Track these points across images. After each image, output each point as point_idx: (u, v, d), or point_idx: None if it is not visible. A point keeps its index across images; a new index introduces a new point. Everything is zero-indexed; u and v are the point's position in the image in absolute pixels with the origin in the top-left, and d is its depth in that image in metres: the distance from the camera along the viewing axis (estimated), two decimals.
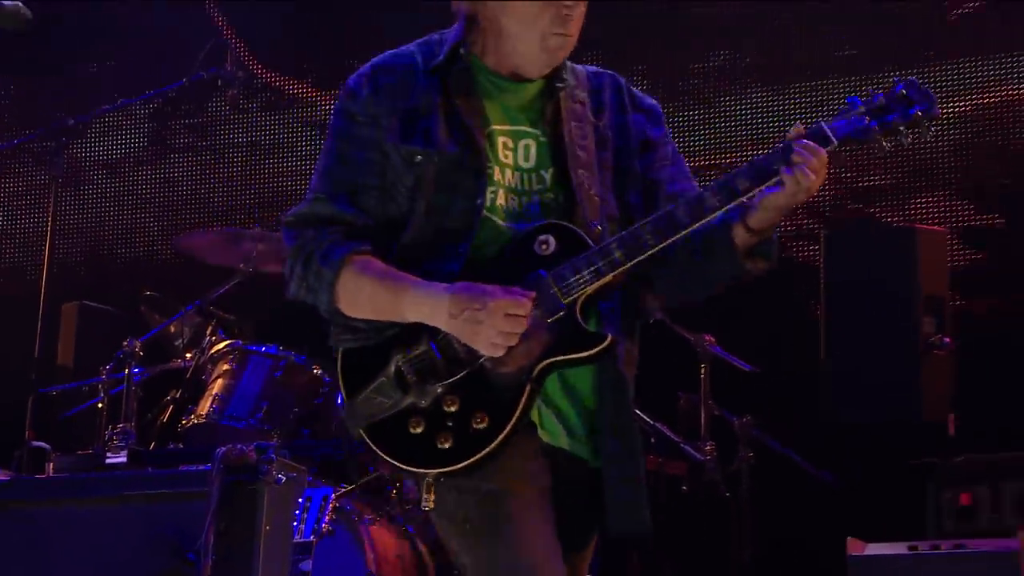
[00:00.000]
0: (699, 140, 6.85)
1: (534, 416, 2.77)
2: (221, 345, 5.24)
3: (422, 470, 2.72)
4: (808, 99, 6.65)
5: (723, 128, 6.84)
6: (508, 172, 2.83)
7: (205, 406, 5.11)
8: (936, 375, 5.15)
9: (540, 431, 2.80)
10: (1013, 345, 5.84)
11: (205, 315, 5.36)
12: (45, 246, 5.62)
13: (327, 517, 4.10)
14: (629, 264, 2.71)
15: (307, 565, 4.04)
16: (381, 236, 2.82)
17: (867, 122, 2.74)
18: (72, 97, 7.39)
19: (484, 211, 2.78)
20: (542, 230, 2.76)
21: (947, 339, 5.18)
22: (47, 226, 5.65)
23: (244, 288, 5.46)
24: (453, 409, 2.72)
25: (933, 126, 2.79)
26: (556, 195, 2.83)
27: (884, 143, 2.76)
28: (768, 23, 6.91)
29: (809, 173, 2.67)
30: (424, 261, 2.76)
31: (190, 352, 5.34)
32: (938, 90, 6.43)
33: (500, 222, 2.80)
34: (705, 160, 6.69)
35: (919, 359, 5.14)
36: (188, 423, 5.12)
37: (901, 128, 2.75)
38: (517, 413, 2.71)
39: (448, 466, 2.70)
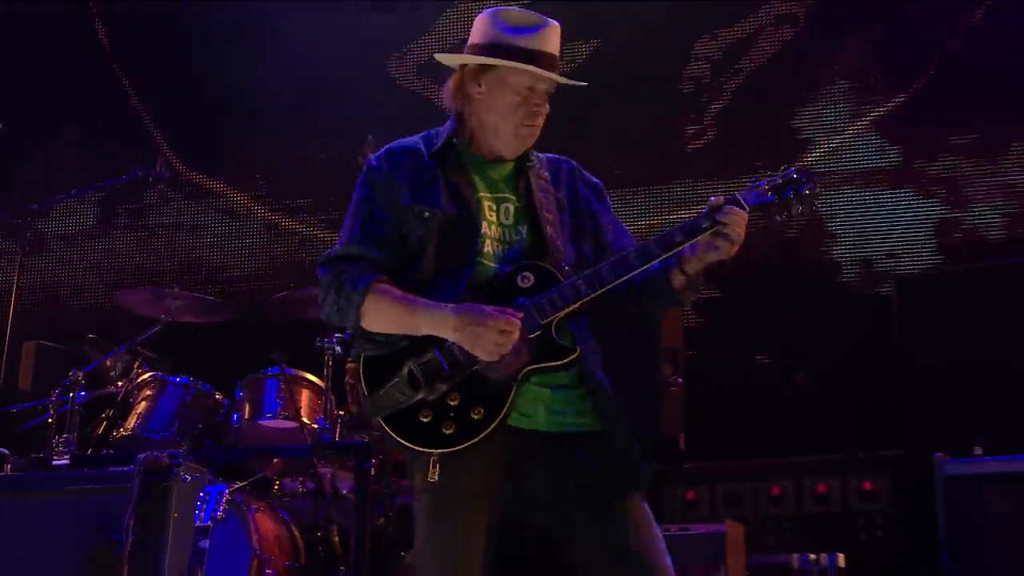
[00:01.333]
0: None
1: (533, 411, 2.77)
2: (145, 376, 5.23)
3: (429, 450, 2.71)
4: None
5: None
6: (494, 227, 2.87)
7: (131, 422, 5.11)
8: (671, 405, 5.14)
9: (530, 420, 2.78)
10: (728, 384, 6.04)
11: (133, 353, 5.34)
12: (12, 298, 5.67)
13: (221, 507, 4.13)
14: (592, 295, 2.75)
15: (204, 544, 4.04)
16: (398, 272, 2.82)
17: (769, 196, 2.79)
18: (39, 186, 7.37)
19: (476, 257, 2.81)
20: (524, 268, 2.81)
21: (680, 380, 5.19)
22: (13, 282, 5.71)
23: (165, 334, 5.48)
24: (455, 403, 2.71)
25: (817, 199, 2.84)
26: (531, 244, 2.86)
27: (778, 216, 2.81)
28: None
29: (732, 234, 2.72)
30: (433, 290, 2.79)
31: (121, 381, 5.32)
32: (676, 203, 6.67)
33: (488, 263, 2.83)
34: None
35: (660, 394, 5.13)
36: (118, 435, 5.11)
37: (793, 201, 2.79)
38: (506, 406, 2.71)
39: (452, 447, 2.70)
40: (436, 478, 2.70)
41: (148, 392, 5.15)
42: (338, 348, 5.03)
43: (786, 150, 6.68)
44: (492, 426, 2.71)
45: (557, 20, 2.91)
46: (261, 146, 7.52)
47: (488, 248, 2.85)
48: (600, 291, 2.76)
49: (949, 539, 4.25)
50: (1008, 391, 4.42)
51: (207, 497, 4.16)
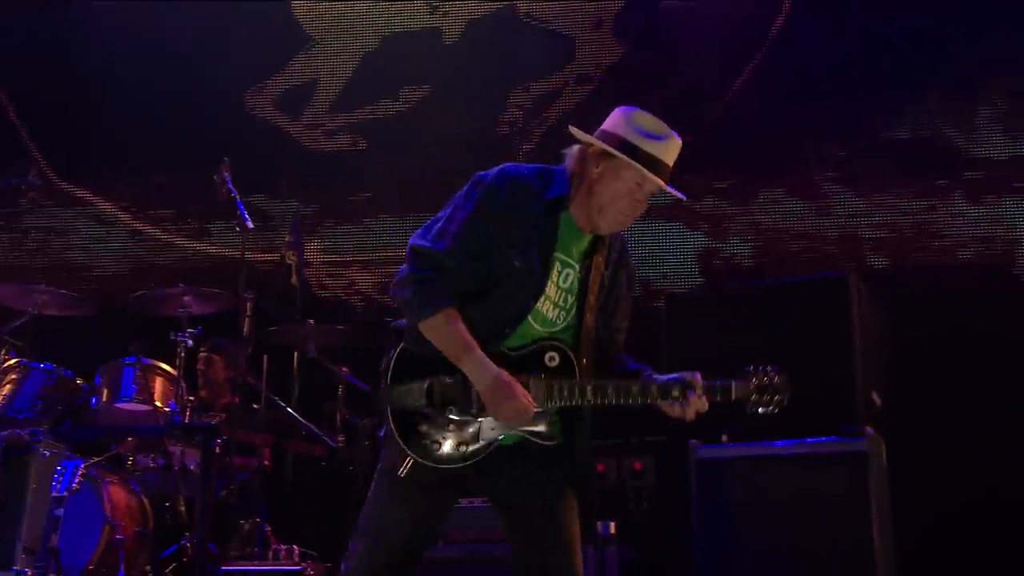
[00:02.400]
0: None
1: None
2: (12, 361, 4.99)
3: (411, 452, 2.70)
4: None
5: None
6: (554, 288, 2.78)
7: None
8: None
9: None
10: None
11: (1, 342, 5.10)
12: None
13: (76, 480, 3.96)
14: (589, 406, 2.75)
15: (60, 512, 3.88)
16: (467, 294, 2.74)
17: (750, 408, 2.88)
18: None
19: (529, 313, 2.75)
20: (553, 348, 2.76)
21: None
22: None
23: (32, 325, 5.23)
24: (451, 431, 2.71)
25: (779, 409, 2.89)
26: (573, 322, 2.79)
27: (750, 411, 2.87)
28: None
29: (688, 415, 2.80)
30: (482, 325, 2.71)
31: None
32: None
33: (534, 324, 2.77)
34: None
35: None
36: None
37: (766, 405, 2.90)
38: (483, 456, 2.73)
39: (431, 462, 2.70)
40: (404, 474, 2.70)
41: (13, 376, 4.91)
42: (190, 342, 4.89)
43: None
44: (470, 462, 2.72)
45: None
46: (128, 160, 7.21)
47: (543, 307, 2.78)
48: (597, 404, 2.75)
49: (699, 509, 4.36)
50: None
51: (64, 471, 3.99)
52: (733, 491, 4.31)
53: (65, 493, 3.90)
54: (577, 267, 2.80)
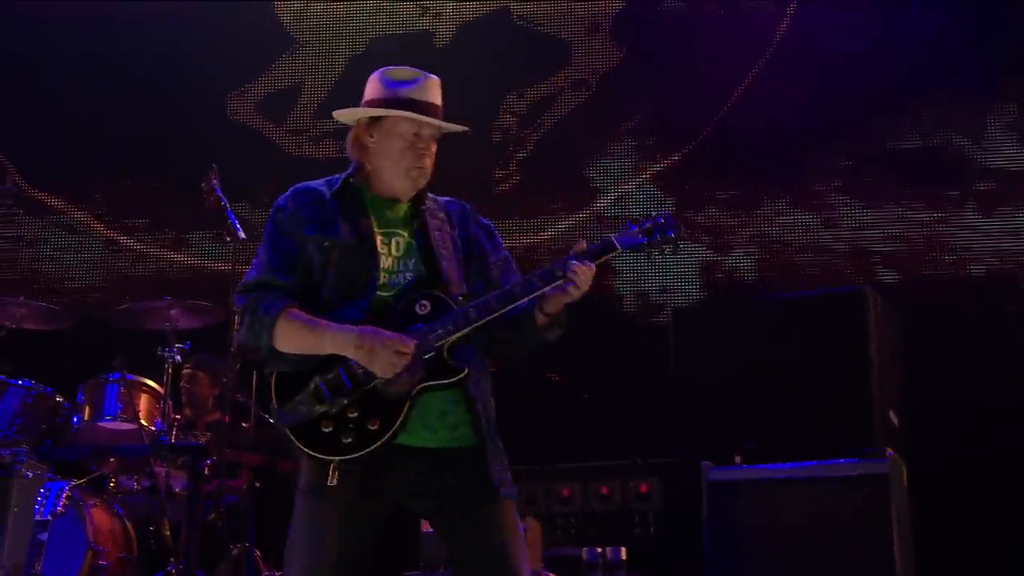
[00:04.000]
0: None
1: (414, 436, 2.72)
2: None
3: (329, 457, 2.67)
4: None
5: None
6: (388, 259, 2.83)
7: None
8: None
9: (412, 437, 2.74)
10: (525, 399, 6.07)
11: None
12: None
13: (61, 503, 3.93)
14: (480, 321, 2.73)
15: (43, 536, 3.87)
16: (305, 299, 2.78)
17: (640, 239, 2.79)
18: None
19: (376, 284, 2.78)
20: (422, 296, 2.78)
21: None
22: None
23: (8, 339, 5.20)
24: (354, 416, 2.68)
25: (680, 244, 2.83)
26: (426, 276, 2.84)
27: (651, 253, 2.81)
28: None
29: (577, 283, 2.71)
30: (335, 317, 2.74)
31: None
32: None
33: (384, 293, 2.79)
34: None
35: None
36: None
37: (661, 243, 2.80)
38: (400, 419, 2.69)
39: (349, 455, 2.66)
40: (335, 482, 2.67)
41: None
42: (177, 357, 4.86)
43: (580, 196, 6.83)
44: (386, 436, 2.68)
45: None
46: (102, 168, 7.18)
47: (383, 279, 2.82)
48: (488, 318, 2.75)
49: (711, 533, 4.38)
50: (763, 409, 4.57)
51: (47, 493, 3.98)
52: (746, 515, 4.34)
53: (49, 517, 3.91)
54: (405, 232, 2.88)
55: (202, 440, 4.88)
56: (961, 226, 6.46)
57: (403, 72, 2.93)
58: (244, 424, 5.16)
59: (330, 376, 2.72)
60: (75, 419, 4.93)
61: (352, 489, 2.70)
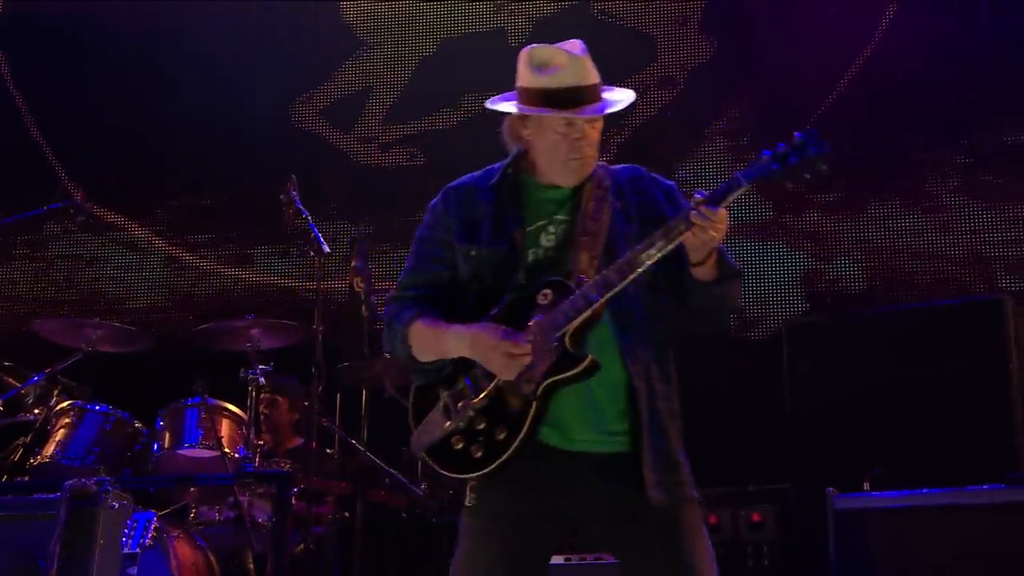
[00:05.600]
0: None
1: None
2: (64, 404, 5.03)
3: (463, 476, 2.70)
4: None
5: None
6: (540, 252, 2.80)
7: (49, 449, 4.92)
8: None
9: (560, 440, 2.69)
10: None
11: (51, 381, 5.13)
12: None
13: (149, 535, 3.97)
14: (602, 299, 2.64)
15: (133, 571, 3.89)
16: (447, 305, 2.80)
17: (772, 166, 2.58)
18: None
19: (516, 287, 2.76)
20: (543, 285, 2.72)
21: None
22: None
23: (84, 362, 5.25)
24: (482, 427, 2.68)
25: (825, 163, 2.57)
26: (561, 263, 2.77)
27: (787, 182, 2.69)
28: None
29: (706, 230, 2.57)
30: (476, 317, 2.74)
31: (37, 409, 5.11)
32: None
33: (522, 291, 2.75)
34: None
35: None
36: (35, 462, 4.91)
37: (800, 167, 2.57)
38: (527, 424, 2.64)
39: (481, 470, 2.66)
40: (472, 503, 2.70)
41: (67, 420, 4.97)
42: (261, 379, 4.90)
43: None
44: (515, 444, 2.64)
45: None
46: (162, 182, 7.30)
47: (525, 277, 2.78)
48: (610, 292, 2.65)
49: (838, 567, 4.31)
50: (890, 432, 4.51)
51: (135, 525, 4.01)
52: (878, 547, 4.25)
53: (137, 550, 3.92)
54: (566, 216, 2.83)
55: (285, 467, 4.90)
56: None
57: (545, 54, 2.82)
58: (328, 451, 5.18)
59: (457, 388, 2.73)
60: (155, 446, 4.99)
61: (510, 506, 2.69)
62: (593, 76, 2.82)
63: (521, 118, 2.85)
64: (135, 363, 5.59)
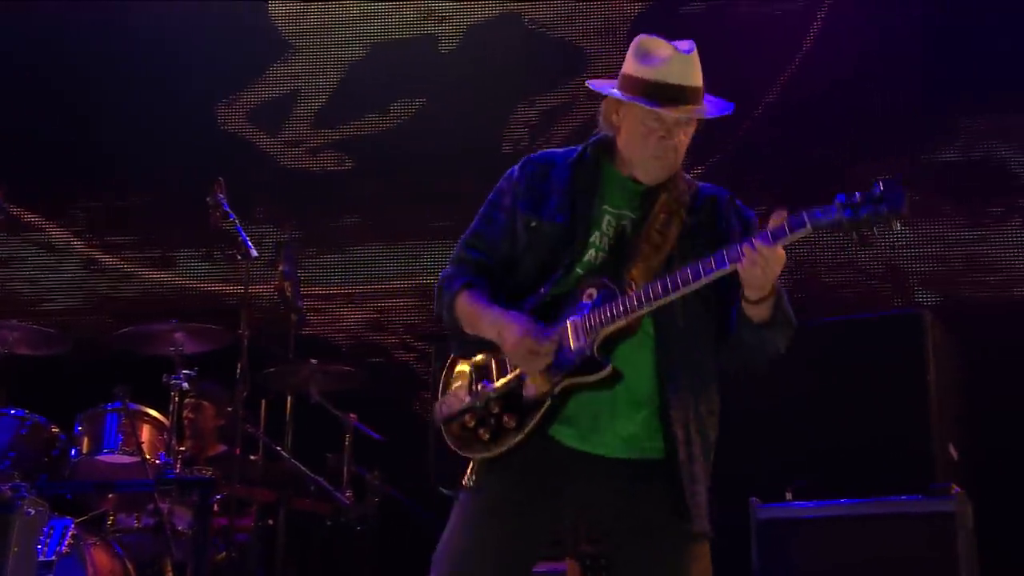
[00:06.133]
0: None
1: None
2: None
3: (465, 453, 2.70)
4: None
5: None
6: (604, 239, 2.75)
7: None
8: None
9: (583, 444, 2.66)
10: None
11: None
12: None
13: (67, 542, 3.88)
14: (642, 310, 2.58)
15: None
16: (502, 274, 2.80)
17: (839, 214, 2.47)
18: None
19: (575, 265, 2.71)
20: (592, 283, 2.68)
21: None
22: None
23: (1, 365, 5.11)
24: (495, 411, 2.68)
25: (900, 222, 2.47)
26: (616, 262, 2.71)
27: (853, 233, 2.48)
28: None
29: (749, 265, 2.49)
30: (524, 293, 2.73)
31: None
32: None
33: (581, 272, 2.72)
34: None
35: None
36: None
37: (870, 221, 2.46)
38: (537, 418, 2.63)
39: (481, 454, 2.66)
40: (471, 483, 2.67)
41: None
42: (185, 384, 4.81)
43: None
44: (520, 436, 2.63)
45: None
46: (82, 181, 7.16)
47: (590, 257, 2.75)
48: (651, 306, 2.59)
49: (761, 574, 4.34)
50: (810, 443, 4.56)
51: (51, 532, 3.92)
52: (800, 557, 4.31)
53: (53, 557, 3.84)
54: (635, 215, 2.77)
55: (207, 474, 4.83)
56: (1005, 244, 6.48)
57: (652, 44, 2.77)
58: (252, 457, 5.12)
59: (484, 367, 2.73)
60: (72, 452, 4.87)
61: (508, 491, 2.67)
62: (696, 78, 2.76)
63: (615, 103, 2.78)
64: (52, 366, 5.46)
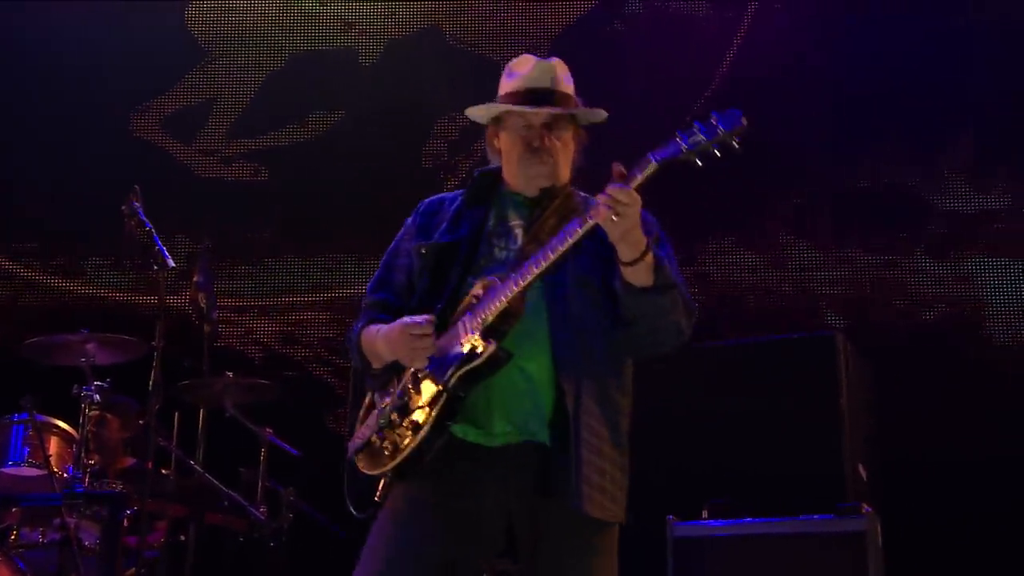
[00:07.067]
0: None
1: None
2: None
3: (373, 472, 2.65)
4: None
5: None
6: (497, 251, 2.77)
7: None
8: None
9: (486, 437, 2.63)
10: None
11: None
12: None
13: None
14: (518, 288, 2.58)
15: None
16: (405, 309, 2.77)
17: (681, 144, 2.49)
18: None
19: (467, 276, 2.72)
20: (479, 286, 2.67)
21: None
22: None
23: None
24: (396, 421, 2.64)
25: (737, 139, 2.51)
26: (509, 262, 2.72)
27: (696, 160, 2.48)
28: None
29: (606, 212, 2.48)
30: (422, 313, 2.69)
31: None
32: None
33: (472, 281, 2.71)
34: None
35: None
36: None
37: (710, 144, 2.49)
38: (433, 417, 2.59)
39: (386, 467, 2.62)
40: (379, 499, 2.64)
41: None
42: (97, 396, 4.70)
43: None
44: (418, 439, 2.59)
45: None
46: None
47: (482, 266, 2.76)
48: (524, 285, 2.60)
49: None
50: (724, 462, 4.62)
51: None
52: (714, 574, 4.35)
53: None
54: (524, 222, 2.79)
55: (118, 488, 4.71)
56: (912, 270, 6.65)
57: (520, 61, 2.85)
58: (164, 471, 5.02)
59: (387, 389, 2.72)
60: None
61: (414, 501, 2.63)
62: (560, 84, 2.82)
63: (494, 130, 2.86)
64: None
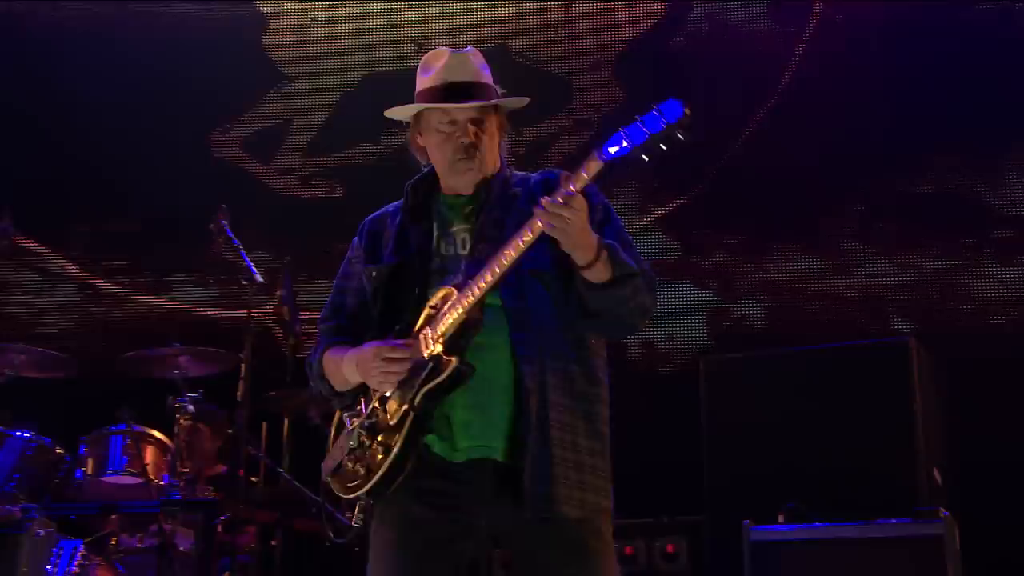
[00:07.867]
0: None
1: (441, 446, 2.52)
2: None
3: (348, 496, 2.57)
4: None
5: None
6: (448, 260, 2.66)
7: None
8: None
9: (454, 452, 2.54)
10: None
11: None
12: None
13: (76, 563, 3.84)
14: (472, 299, 2.47)
15: None
16: (362, 331, 2.68)
17: (627, 142, 2.34)
18: None
19: (426, 292, 2.61)
20: (436, 299, 2.57)
21: None
22: None
23: (6, 388, 5.06)
24: (367, 443, 2.54)
25: (681, 131, 2.31)
26: (460, 267, 2.61)
27: (644, 157, 2.33)
28: None
29: (558, 219, 2.37)
30: (383, 336, 2.61)
31: None
32: None
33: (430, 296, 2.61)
34: None
35: None
36: None
37: (656, 140, 2.32)
38: (402, 436, 2.48)
39: (360, 490, 2.52)
40: (358, 523, 2.57)
41: None
42: (190, 407, 4.79)
43: None
44: (390, 458, 2.48)
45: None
46: (79, 208, 7.11)
47: (437, 281, 2.65)
48: (480, 296, 2.50)
49: None
50: (800, 466, 4.59)
51: (61, 553, 3.87)
52: None
53: None
54: (471, 225, 2.68)
55: (211, 495, 4.79)
56: (979, 275, 6.56)
57: (434, 55, 2.73)
58: (253, 479, 5.09)
59: (355, 408, 2.64)
60: (77, 473, 4.83)
61: (394, 523, 2.56)
62: (477, 74, 2.70)
63: (415, 126, 2.75)
64: (52, 389, 5.39)
